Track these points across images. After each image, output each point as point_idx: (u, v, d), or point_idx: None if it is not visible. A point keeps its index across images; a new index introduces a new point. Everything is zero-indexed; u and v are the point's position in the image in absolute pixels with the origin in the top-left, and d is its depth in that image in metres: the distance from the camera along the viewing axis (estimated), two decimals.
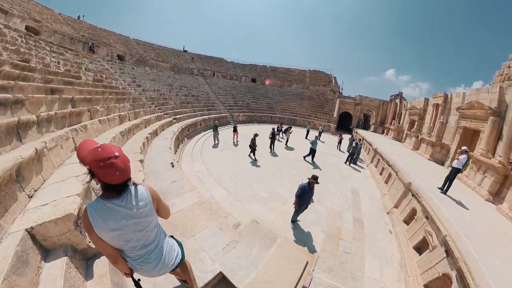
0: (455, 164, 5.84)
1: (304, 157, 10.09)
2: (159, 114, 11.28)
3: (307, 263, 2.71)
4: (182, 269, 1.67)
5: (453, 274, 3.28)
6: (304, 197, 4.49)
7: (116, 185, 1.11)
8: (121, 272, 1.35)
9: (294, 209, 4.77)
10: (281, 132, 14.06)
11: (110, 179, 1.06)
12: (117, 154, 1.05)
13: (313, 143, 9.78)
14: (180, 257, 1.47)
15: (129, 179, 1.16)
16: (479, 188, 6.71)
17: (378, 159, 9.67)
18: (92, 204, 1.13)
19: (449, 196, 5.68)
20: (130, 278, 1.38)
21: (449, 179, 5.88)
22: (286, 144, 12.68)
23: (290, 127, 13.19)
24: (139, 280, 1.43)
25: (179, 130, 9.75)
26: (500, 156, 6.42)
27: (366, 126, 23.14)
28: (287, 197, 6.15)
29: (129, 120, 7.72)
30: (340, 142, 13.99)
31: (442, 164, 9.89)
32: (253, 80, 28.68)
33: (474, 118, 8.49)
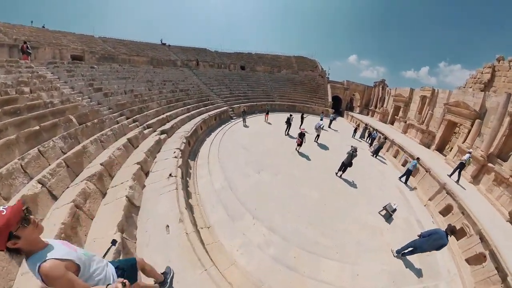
0: (462, 159, 8.18)
1: (400, 178, 9.34)
2: (133, 133, 6.94)
3: None
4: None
5: (487, 253, 5.25)
6: (428, 240, 4.41)
7: None
8: None
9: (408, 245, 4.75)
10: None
11: None
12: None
13: (414, 165, 8.85)
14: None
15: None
16: (464, 173, 9.01)
17: (397, 150, 11.51)
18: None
19: (460, 185, 8.10)
20: None
21: (458, 171, 8.24)
22: (316, 140, 12.51)
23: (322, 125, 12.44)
24: None
25: (179, 164, 5.85)
26: (482, 151, 8.88)
27: (351, 108, 25.88)
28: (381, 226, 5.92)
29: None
30: (355, 131, 15.34)
31: (429, 147, 12.72)
32: (242, 68, 27.36)
33: (459, 114, 10.92)
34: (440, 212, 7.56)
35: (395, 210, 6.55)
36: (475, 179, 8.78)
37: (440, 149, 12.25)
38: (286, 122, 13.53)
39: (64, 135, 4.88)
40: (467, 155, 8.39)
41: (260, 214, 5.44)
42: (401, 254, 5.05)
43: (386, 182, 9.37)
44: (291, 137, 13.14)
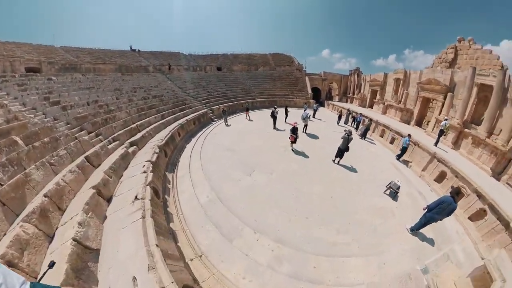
0: (441, 126, 9.24)
1: (397, 157, 9.63)
2: (94, 149, 5.70)
3: None
4: None
5: (486, 207, 5.75)
6: (438, 210, 4.47)
7: None
8: None
9: (420, 220, 4.80)
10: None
11: None
12: None
13: (408, 142, 9.15)
14: None
15: None
16: (445, 141, 10.09)
17: (383, 130, 12.26)
18: None
19: (440, 148, 8.94)
20: None
21: (438, 137, 9.27)
22: (305, 131, 12.35)
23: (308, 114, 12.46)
24: None
25: (148, 180, 4.76)
26: (457, 120, 9.83)
27: (330, 97, 26.51)
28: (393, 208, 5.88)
29: None
30: (339, 118, 15.80)
31: (408, 123, 13.61)
32: (219, 69, 26.66)
33: (432, 91, 11.91)
34: (435, 180, 8.01)
35: (399, 187, 6.61)
36: (456, 144, 9.67)
37: (419, 123, 13.22)
38: (271, 115, 13.36)
39: (3, 163, 3.75)
40: (444, 122, 9.29)
41: (261, 224, 4.64)
42: (414, 227, 5.11)
43: (380, 161, 9.70)
44: (278, 130, 12.97)
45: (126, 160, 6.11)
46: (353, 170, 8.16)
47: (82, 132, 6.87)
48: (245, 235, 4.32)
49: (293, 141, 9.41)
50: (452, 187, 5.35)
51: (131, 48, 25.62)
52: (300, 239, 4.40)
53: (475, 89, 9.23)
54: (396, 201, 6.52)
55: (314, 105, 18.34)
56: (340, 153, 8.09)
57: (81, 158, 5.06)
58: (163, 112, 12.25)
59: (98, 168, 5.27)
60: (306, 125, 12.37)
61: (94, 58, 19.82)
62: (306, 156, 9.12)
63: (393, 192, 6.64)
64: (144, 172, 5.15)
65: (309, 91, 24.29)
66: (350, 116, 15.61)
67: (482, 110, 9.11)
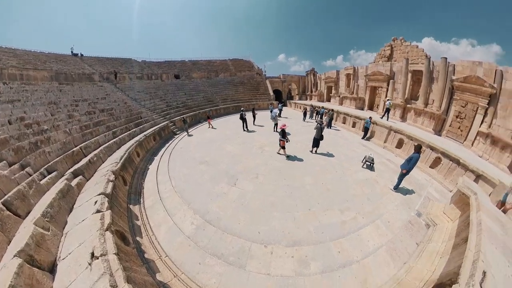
0: (386, 105, 11.37)
1: (363, 138, 10.79)
2: (17, 188, 3.87)
3: None
4: None
5: (439, 155, 7.23)
6: (411, 166, 5.47)
7: None
8: None
9: (399, 179, 5.72)
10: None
11: None
12: None
13: (369, 122, 10.45)
14: None
15: None
16: (394, 116, 12.20)
17: (344, 117, 13.81)
18: None
19: (391, 121, 10.83)
20: None
21: (387, 114, 11.29)
22: (276, 129, 12.42)
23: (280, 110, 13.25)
24: None
25: (105, 223, 3.30)
26: (400, 99, 12.04)
27: (291, 97, 28.35)
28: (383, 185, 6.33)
29: None
30: (305, 114, 16.86)
31: (362, 109, 15.84)
32: (177, 77, 25.20)
33: (377, 81, 14.30)
34: (396, 147, 9.48)
35: (373, 159, 7.55)
36: (403, 118, 11.85)
37: (371, 108, 15.62)
38: (240, 118, 13.36)
39: None
40: (388, 102, 11.52)
41: (268, 234, 4.25)
42: (395, 186, 6.01)
43: (350, 143, 10.83)
44: (248, 131, 13.00)
45: (70, 198, 4.38)
46: (330, 155, 8.74)
47: None
48: (256, 254, 3.76)
49: (284, 146, 8.25)
50: (414, 145, 6.29)
51: (72, 52, 21.88)
52: (313, 233, 4.36)
53: (410, 75, 11.57)
54: (374, 171, 7.37)
55: (279, 105, 19.44)
56: (316, 142, 8.56)
57: None
58: (115, 129, 10.55)
59: (27, 217, 3.53)
60: (276, 124, 12.65)
61: (22, 62, 16.13)
62: (285, 152, 8.84)
63: (369, 164, 7.49)
64: (98, 211, 3.68)
65: (271, 93, 25.67)
66: (314, 110, 16.88)
67: (417, 89, 11.42)
